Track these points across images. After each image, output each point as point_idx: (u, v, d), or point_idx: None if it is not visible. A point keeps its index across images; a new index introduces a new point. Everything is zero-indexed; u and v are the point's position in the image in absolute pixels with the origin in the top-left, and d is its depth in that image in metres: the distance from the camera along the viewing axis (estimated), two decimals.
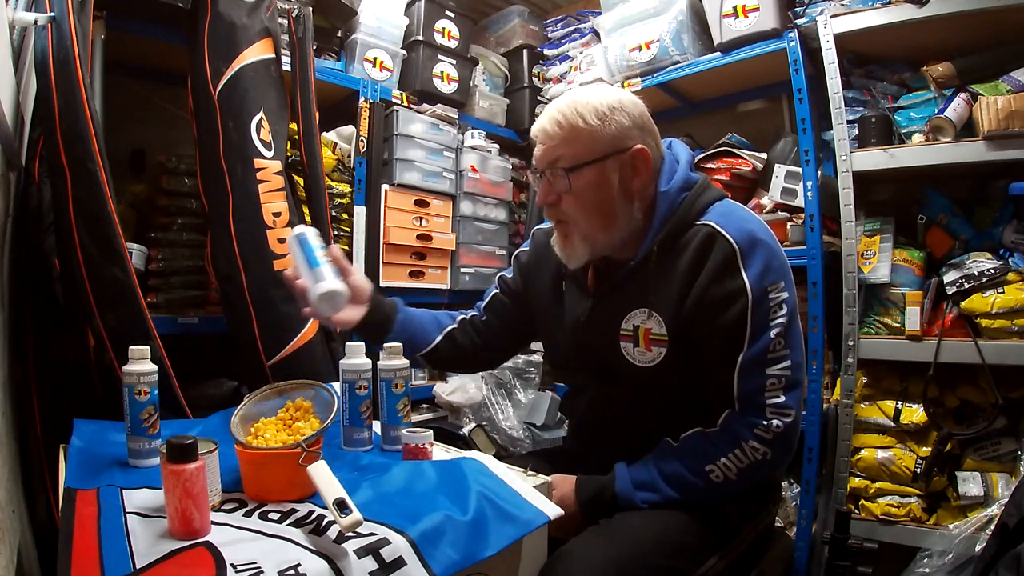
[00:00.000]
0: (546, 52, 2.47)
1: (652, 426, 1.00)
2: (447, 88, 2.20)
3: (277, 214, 1.43)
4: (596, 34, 2.29)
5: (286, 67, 1.61)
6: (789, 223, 1.76)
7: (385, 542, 0.64)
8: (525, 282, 1.21)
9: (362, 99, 1.96)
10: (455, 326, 1.24)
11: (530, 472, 0.90)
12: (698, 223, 0.96)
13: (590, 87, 1.03)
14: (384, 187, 2.00)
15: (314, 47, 1.74)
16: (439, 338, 1.22)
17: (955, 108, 1.51)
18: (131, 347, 0.87)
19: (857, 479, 1.62)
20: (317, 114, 1.67)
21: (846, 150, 1.63)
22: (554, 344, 1.16)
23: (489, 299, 1.26)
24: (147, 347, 0.89)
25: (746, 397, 0.91)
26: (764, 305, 0.90)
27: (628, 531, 0.89)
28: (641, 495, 0.95)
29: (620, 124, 0.96)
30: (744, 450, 0.91)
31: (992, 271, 1.48)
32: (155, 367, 0.88)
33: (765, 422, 0.90)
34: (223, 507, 0.74)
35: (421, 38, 2.13)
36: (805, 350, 0.99)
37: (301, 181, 1.67)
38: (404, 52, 2.12)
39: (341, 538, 0.63)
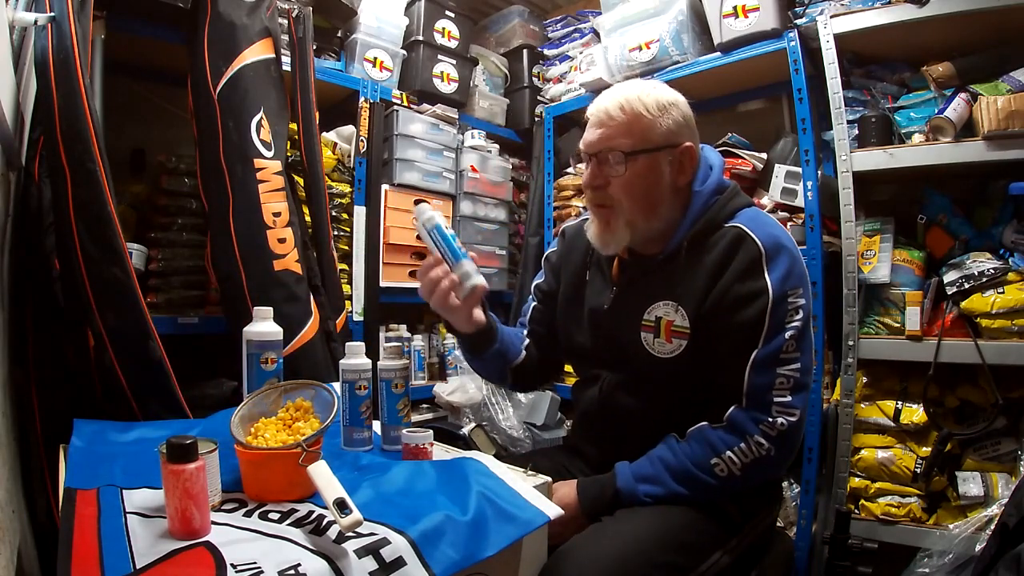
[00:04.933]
0: (546, 52, 2.47)
1: (659, 419, 1.02)
2: (447, 88, 2.20)
3: (277, 214, 1.43)
4: (596, 34, 2.29)
5: (286, 67, 1.61)
6: (789, 223, 1.76)
7: (385, 542, 0.64)
8: (557, 281, 1.23)
9: (362, 99, 1.96)
10: (529, 340, 1.24)
11: (530, 472, 0.90)
12: (727, 224, 1.00)
13: (648, 81, 1.06)
14: (384, 187, 2.00)
15: (314, 47, 1.74)
16: (523, 351, 1.22)
17: (955, 108, 1.51)
18: (255, 308, 0.95)
19: (857, 479, 1.61)
20: (317, 114, 1.67)
21: (846, 150, 1.63)
22: (571, 332, 1.17)
23: (531, 313, 1.26)
24: (271, 308, 0.96)
25: (754, 394, 0.93)
26: (783, 307, 0.93)
27: (630, 528, 0.89)
28: (643, 488, 0.95)
29: (676, 120, 1.00)
30: (749, 444, 0.92)
31: (992, 271, 1.48)
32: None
33: (771, 419, 0.92)
34: (223, 507, 0.74)
35: (421, 38, 2.13)
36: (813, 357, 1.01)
37: (301, 181, 1.67)
38: (404, 52, 2.12)
39: (341, 538, 0.63)
